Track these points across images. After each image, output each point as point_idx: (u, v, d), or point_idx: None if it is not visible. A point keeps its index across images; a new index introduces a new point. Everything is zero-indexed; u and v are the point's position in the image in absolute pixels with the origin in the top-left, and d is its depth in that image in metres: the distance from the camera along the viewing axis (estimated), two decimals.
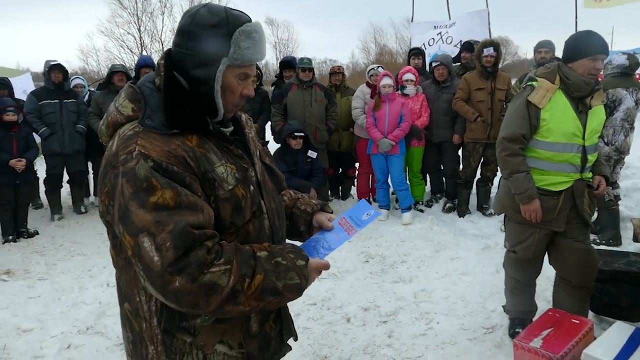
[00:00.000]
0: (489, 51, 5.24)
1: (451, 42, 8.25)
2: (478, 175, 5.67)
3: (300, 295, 1.30)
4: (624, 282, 3.18)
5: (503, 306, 3.27)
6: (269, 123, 5.99)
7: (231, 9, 1.29)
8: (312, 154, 5.33)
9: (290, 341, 1.58)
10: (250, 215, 1.33)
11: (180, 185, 1.18)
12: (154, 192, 1.15)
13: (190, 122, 1.25)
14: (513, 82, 5.42)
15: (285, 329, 1.51)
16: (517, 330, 3.01)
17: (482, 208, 5.67)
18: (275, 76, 6.73)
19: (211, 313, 1.21)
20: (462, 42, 6.75)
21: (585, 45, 2.55)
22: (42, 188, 6.22)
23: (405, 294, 3.74)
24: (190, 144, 1.25)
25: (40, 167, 6.37)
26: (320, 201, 1.64)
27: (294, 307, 3.59)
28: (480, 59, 5.29)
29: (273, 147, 5.70)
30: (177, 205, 1.16)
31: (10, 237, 5.19)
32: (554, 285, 3.01)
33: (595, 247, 4.42)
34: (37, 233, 5.40)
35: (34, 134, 5.63)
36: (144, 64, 6.30)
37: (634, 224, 3.16)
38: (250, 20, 1.29)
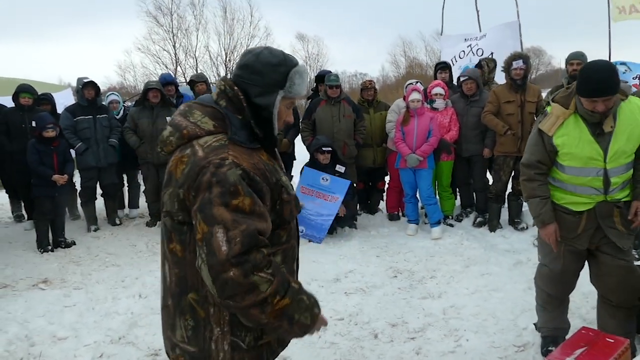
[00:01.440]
0: (518, 64, 5.19)
1: (482, 55, 8.18)
2: (509, 189, 5.57)
3: (302, 337, 1.54)
4: None
5: (535, 324, 3.18)
6: (299, 138, 6.06)
7: (287, 54, 1.60)
8: (340, 168, 5.35)
9: (317, 356, 1.87)
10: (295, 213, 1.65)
11: (257, 195, 1.45)
12: (237, 196, 1.40)
13: (267, 140, 1.57)
14: (544, 94, 5.33)
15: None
16: (549, 348, 2.92)
17: (513, 222, 5.56)
18: (312, 89, 6.80)
19: (237, 309, 1.41)
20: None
21: (582, 84, 2.45)
22: (78, 200, 6.43)
23: (434, 310, 3.69)
24: (264, 158, 1.56)
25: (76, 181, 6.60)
26: None
27: None
28: (509, 72, 5.25)
29: (303, 161, 5.74)
30: (251, 212, 1.42)
31: (49, 247, 5.36)
32: (597, 305, 2.91)
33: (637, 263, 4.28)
34: (74, 243, 5.57)
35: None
36: (165, 81, 6.50)
37: None
38: (299, 63, 1.62)
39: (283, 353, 2.50)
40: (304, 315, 1.49)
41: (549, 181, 2.75)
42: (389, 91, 28.96)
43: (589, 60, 2.66)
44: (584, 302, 3.77)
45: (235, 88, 1.56)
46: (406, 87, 6.01)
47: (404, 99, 5.78)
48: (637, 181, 2.66)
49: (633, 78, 5.11)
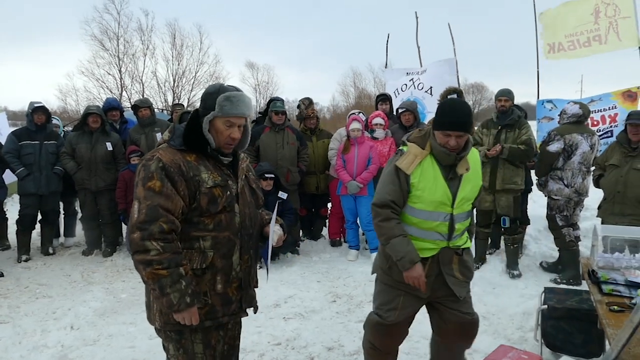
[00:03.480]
0: (452, 97, 5.51)
1: (422, 88, 8.57)
2: None
3: (169, 311, 2.01)
4: (577, 320, 3.31)
5: None
6: None
7: (225, 85, 2.16)
8: (282, 195, 5.45)
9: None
10: (222, 208, 2.10)
11: (169, 181, 1.99)
12: (152, 180, 1.99)
13: (192, 145, 2.09)
14: (476, 128, 5.67)
15: (244, 299, 2.23)
16: None
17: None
18: (259, 112, 6.88)
19: (134, 260, 1.97)
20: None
21: (439, 117, 2.49)
22: (10, 228, 6.18)
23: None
24: (190, 158, 2.09)
25: (12, 208, 6.35)
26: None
27: (258, 347, 3.62)
28: None
29: None
30: (160, 192, 1.98)
31: None
32: (432, 339, 2.97)
33: (556, 285, 4.59)
34: (1, 275, 5.33)
35: (5, 173, 5.67)
36: (110, 106, 6.48)
37: (582, 264, 3.32)
38: (235, 90, 2.12)
39: None
40: (174, 295, 1.95)
41: None
42: (338, 120, 29.47)
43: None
44: (509, 323, 4.00)
45: (190, 110, 2.11)
46: (348, 117, 6.24)
47: (346, 128, 6.01)
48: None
49: (558, 115, 5.57)
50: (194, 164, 2.07)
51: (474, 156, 2.65)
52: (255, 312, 2.36)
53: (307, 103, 6.67)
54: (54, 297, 4.74)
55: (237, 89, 2.14)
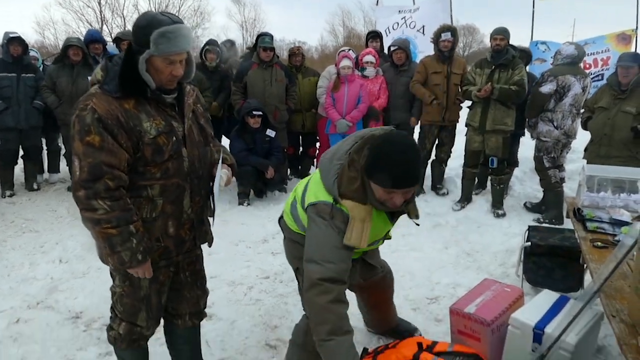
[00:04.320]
0: (446, 36, 5.36)
1: (414, 27, 8.39)
2: (433, 157, 5.85)
3: (120, 268, 1.98)
4: (559, 256, 3.41)
5: None
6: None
7: (158, 16, 1.84)
8: (270, 132, 5.38)
9: (242, 313, 2.84)
10: (168, 157, 1.95)
11: (109, 134, 1.81)
12: (89, 134, 1.80)
13: (129, 90, 1.87)
14: (469, 68, 5.59)
15: (198, 237, 2.18)
16: None
17: (435, 188, 5.87)
18: (247, 48, 6.66)
19: (82, 217, 1.88)
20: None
21: (377, 169, 1.84)
22: None
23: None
24: (128, 106, 1.87)
25: None
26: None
27: (247, 280, 3.68)
28: (437, 44, 5.42)
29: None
30: (100, 147, 1.81)
31: None
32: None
33: (539, 224, 4.69)
34: None
35: None
36: (92, 39, 6.17)
37: (567, 202, 3.37)
38: (171, 22, 1.82)
39: (209, 310, 2.58)
40: (125, 253, 1.89)
41: None
42: (327, 60, 28.88)
43: (379, 131, 2.00)
44: (492, 259, 4.11)
45: (126, 48, 1.90)
46: (338, 54, 6.07)
47: (336, 65, 5.87)
48: None
49: (552, 57, 5.48)
50: (134, 112, 1.88)
51: None
52: (210, 247, 2.32)
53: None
54: (40, 232, 4.73)
55: (173, 20, 1.85)
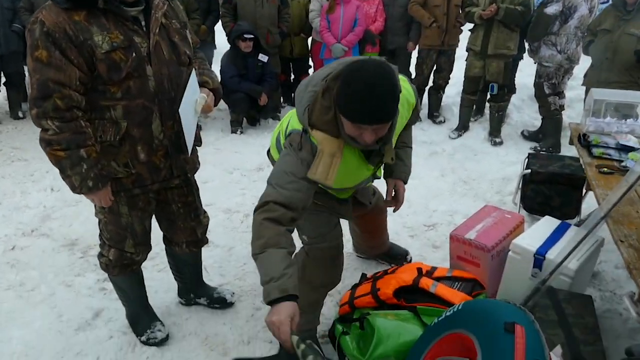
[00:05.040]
0: None
1: None
2: (430, 83, 5.67)
3: (73, 192, 1.88)
4: (558, 184, 3.37)
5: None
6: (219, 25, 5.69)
7: None
8: (263, 57, 5.15)
9: (239, 239, 2.86)
10: (127, 74, 1.79)
11: (57, 49, 1.69)
12: (37, 49, 1.69)
13: (79, 1, 1.70)
14: None
15: (175, 166, 2.05)
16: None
17: (432, 116, 5.74)
18: None
19: (40, 140, 1.78)
20: None
21: (345, 100, 1.59)
22: None
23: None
24: (78, 18, 1.71)
25: None
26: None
27: (243, 207, 3.65)
28: None
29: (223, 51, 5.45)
30: (48, 63, 1.69)
31: None
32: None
33: (537, 152, 4.64)
34: None
35: None
36: None
37: (571, 128, 3.29)
38: None
39: (209, 235, 2.54)
40: (75, 178, 1.81)
41: None
42: None
43: (357, 59, 1.66)
44: (489, 187, 4.09)
45: None
46: None
47: None
48: (399, 158, 2.26)
49: None
50: (84, 24, 1.70)
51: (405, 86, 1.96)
52: (190, 176, 2.19)
53: None
54: (29, 161, 4.60)
55: None
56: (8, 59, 5.45)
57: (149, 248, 2.27)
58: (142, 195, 2.05)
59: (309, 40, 5.85)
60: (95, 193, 1.87)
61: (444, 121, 5.67)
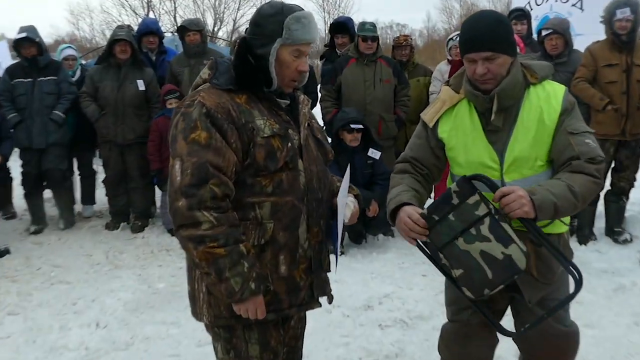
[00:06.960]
0: (623, 13, 5.17)
1: (567, 1, 8.11)
2: (607, 186, 5.52)
3: (229, 300, 2.02)
4: None
5: None
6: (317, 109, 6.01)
7: (287, 3, 2.14)
8: (374, 153, 5.32)
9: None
10: (283, 164, 2.10)
11: (218, 131, 2.00)
12: (195, 130, 1.99)
13: (243, 84, 2.11)
14: None
15: (316, 285, 2.23)
16: None
17: (612, 232, 5.56)
18: (325, 45, 6.71)
19: (179, 238, 2.00)
20: None
21: (459, 37, 2.41)
22: (16, 192, 6.43)
23: (503, 352, 3.62)
24: (239, 100, 2.10)
25: (15, 165, 6.58)
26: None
27: None
28: (611, 24, 5.21)
29: None
30: (207, 145, 1.97)
31: None
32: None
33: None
34: (7, 252, 5.58)
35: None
36: (148, 30, 6.44)
37: None
38: (301, 10, 2.14)
39: None
40: (235, 280, 1.96)
41: None
42: (437, 49, 28.70)
43: None
44: None
45: (237, 42, 2.23)
46: (448, 44, 6.01)
47: (448, 61, 5.75)
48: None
49: None
50: (246, 107, 2.10)
51: (540, 92, 2.34)
52: (330, 302, 2.39)
53: None
54: (73, 284, 4.91)
55: (301, 8, 2.18)
56: (47, 153, 6.02)
57: None
58: (273, 330, 2.19)
59: None
60: (255, 299, 2.02)
61: (631, 240, 5.48)
